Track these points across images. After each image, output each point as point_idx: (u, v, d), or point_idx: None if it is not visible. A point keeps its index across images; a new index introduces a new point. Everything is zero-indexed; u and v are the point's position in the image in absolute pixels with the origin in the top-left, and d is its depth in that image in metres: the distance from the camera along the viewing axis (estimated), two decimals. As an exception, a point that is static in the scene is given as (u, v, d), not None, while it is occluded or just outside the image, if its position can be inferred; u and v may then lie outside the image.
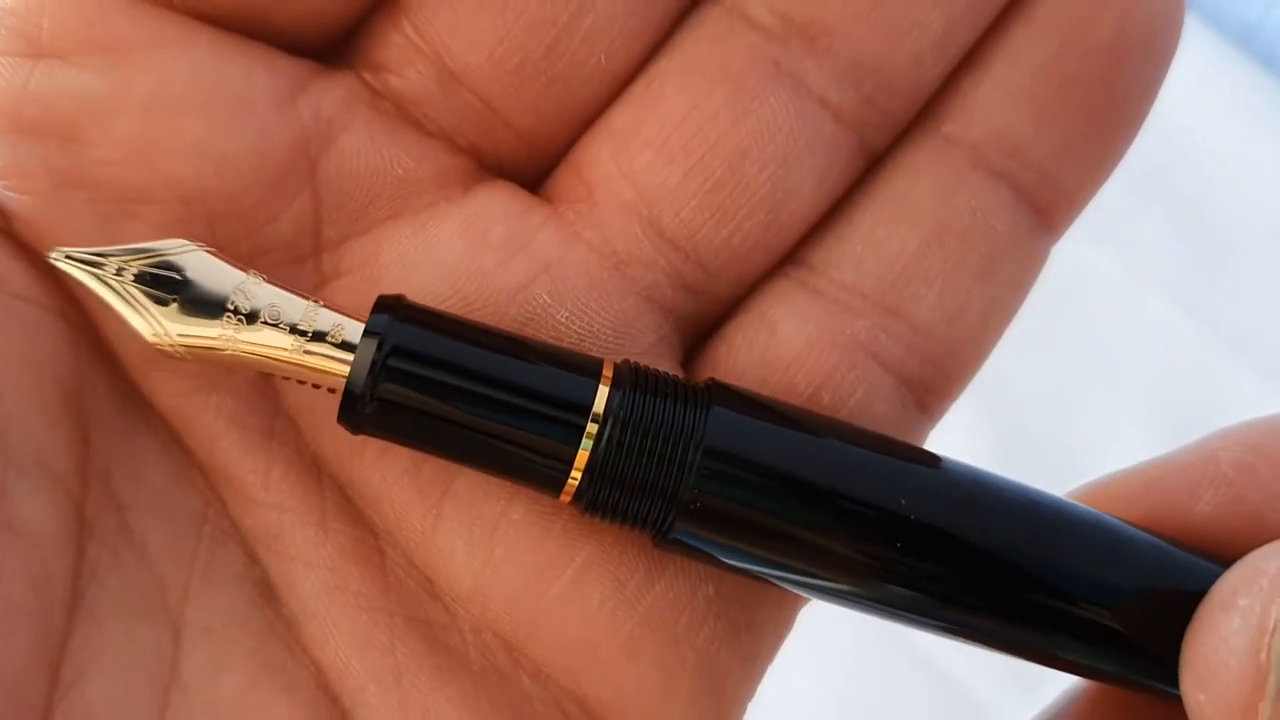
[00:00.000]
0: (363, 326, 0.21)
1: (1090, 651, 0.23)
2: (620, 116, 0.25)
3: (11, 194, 0.23)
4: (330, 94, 0.24)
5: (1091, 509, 0.24)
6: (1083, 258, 0.58)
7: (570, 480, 0.22)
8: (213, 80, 0.23)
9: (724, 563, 0.23)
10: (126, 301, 0.21)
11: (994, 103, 0.25)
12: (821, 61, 0.24)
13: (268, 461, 0.24)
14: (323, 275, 0.25)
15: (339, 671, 0.24)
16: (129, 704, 0.22)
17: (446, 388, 0.21)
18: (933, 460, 0.23)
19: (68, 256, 0.22)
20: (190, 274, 0.21)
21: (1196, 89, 0.61)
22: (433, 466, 0.24)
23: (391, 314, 0.21)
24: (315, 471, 0.25)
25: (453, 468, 0.24)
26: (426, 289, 0.24)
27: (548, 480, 0.22)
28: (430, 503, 0.24)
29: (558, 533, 0.24)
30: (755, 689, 0.25)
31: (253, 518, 0.24)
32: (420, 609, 0.24)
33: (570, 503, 0.22)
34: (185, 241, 0.22)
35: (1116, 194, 0.64)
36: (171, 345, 0.21)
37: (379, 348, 0.21)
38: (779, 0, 0.24)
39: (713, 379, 0.23)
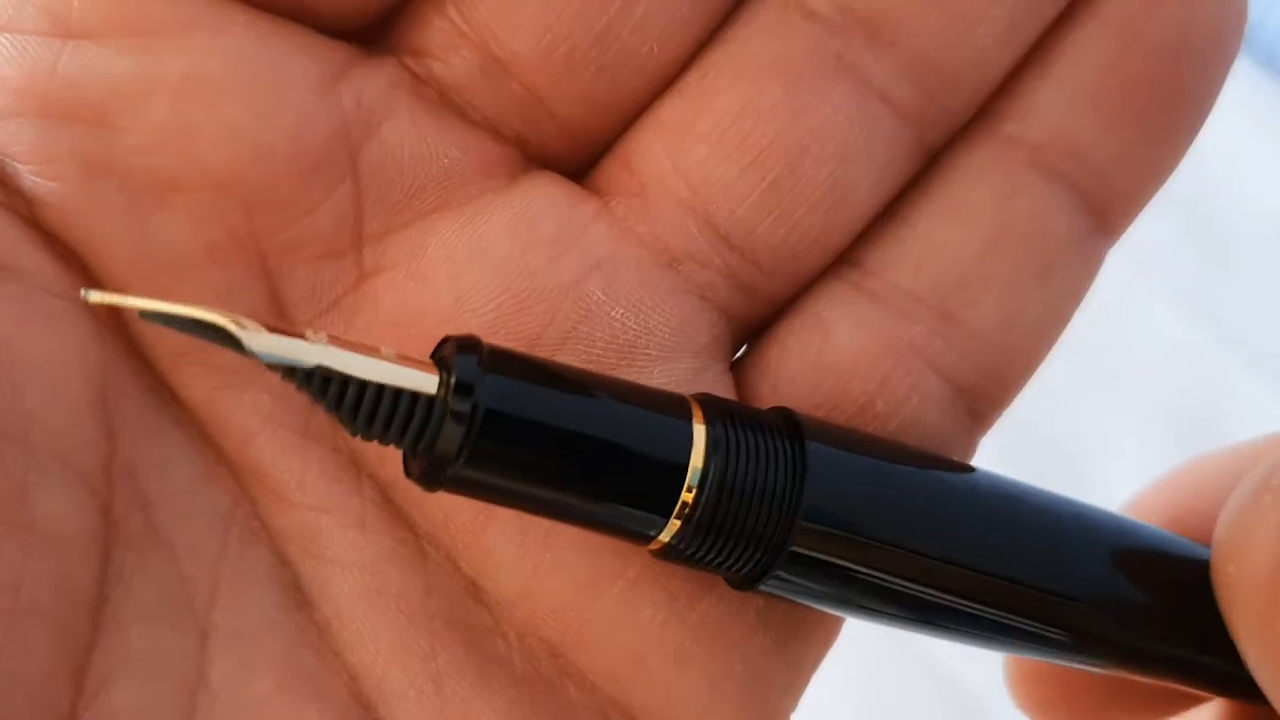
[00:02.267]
0: (437, 380, 0.19)
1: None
2: (672, 109, 0.24)
3: (38, 180, 0.22)
4: (372, 80, 0.24)
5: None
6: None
7: (660, 538, 0.21)
8: (249, 64, 0.22)
9: (803, 604, 0.23)
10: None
11: (1055, 103, 0.24)
12: (883, 55, 0.24)
13: (303, 460, 0.23)
14: (363, 270, 0.24)
15: (376, 678, 0.23)
16: (155, 711, 0.21)
17: (541, 448, 0.19)
18: (1001, 482, 0.23)
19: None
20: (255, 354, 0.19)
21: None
22: None
23: (479, 366, 0.19)
24: (354, 470, 0.24)
25: None
26: (477, 286, 0.23)
27: (638, 536, 0.21)
28: (482, 503, 0.23)
29: (611, 544, 0.23)
30: (800, 697, 0.25)
31: (286, 518, 0.23)
32: (463, 613, 0.23)
33: (653, 552, 0.22)
34: (237, 319, 0.18)
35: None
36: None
37: (473, 410, 0.19)
38: None
39: (784, 408, 0.23)
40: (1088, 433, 0.57)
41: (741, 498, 0.20)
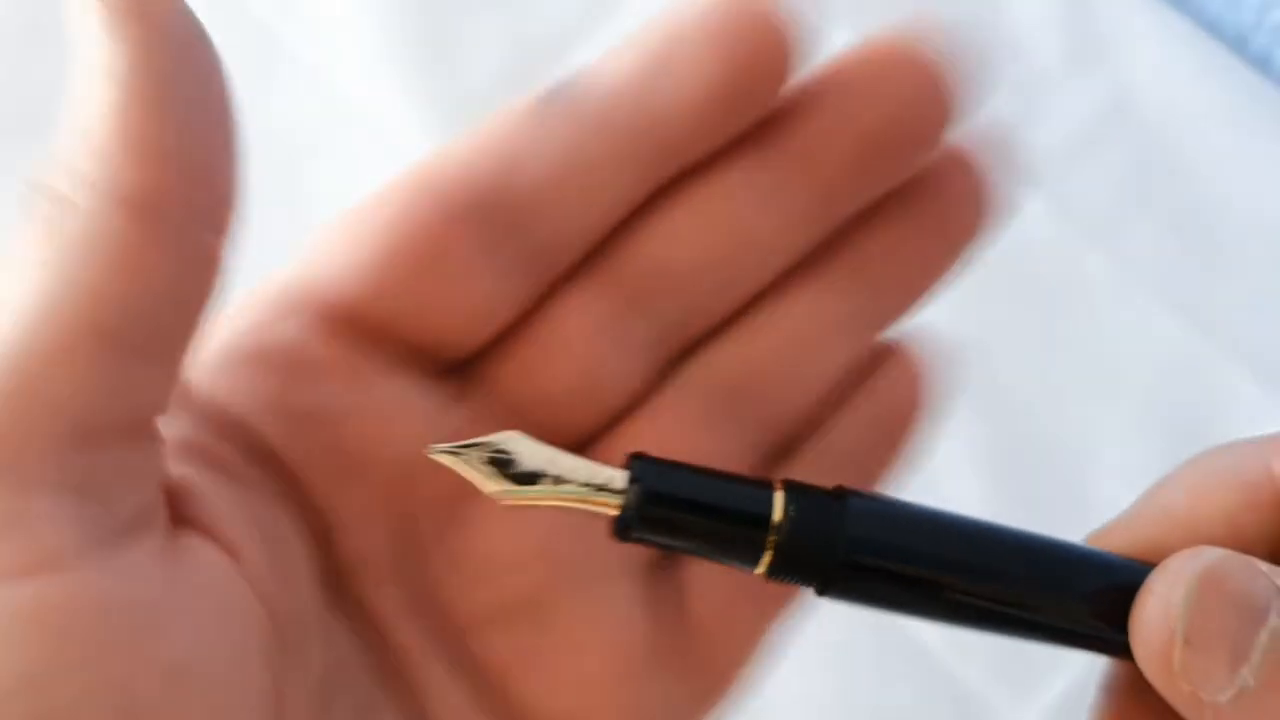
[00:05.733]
0: (625, 473, 0.26)
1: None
2: None
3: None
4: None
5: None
6: (1077, 260, 0.58)
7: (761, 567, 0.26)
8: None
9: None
10: (481, 474, 0.25)
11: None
12: None
13: None
14: None
15: None
16: None
17: (686, 514, 0.26)
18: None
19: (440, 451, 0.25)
20: (516, 453, 0.26)
21: (1190, 93, 0.62)
22: None
23: (645, 463, 0.26)
24: None
25: None
26: None
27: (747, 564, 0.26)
28: None
29: None
30: None
31: None
32: None
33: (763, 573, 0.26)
34: (512, 432, 0.26)
35: (1110, 197, 0.63)
36: (511, 501, 0.25)
37: (641, 493, 0.26)
38: None
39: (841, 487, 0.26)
40: (1081, 434, 0.57)
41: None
